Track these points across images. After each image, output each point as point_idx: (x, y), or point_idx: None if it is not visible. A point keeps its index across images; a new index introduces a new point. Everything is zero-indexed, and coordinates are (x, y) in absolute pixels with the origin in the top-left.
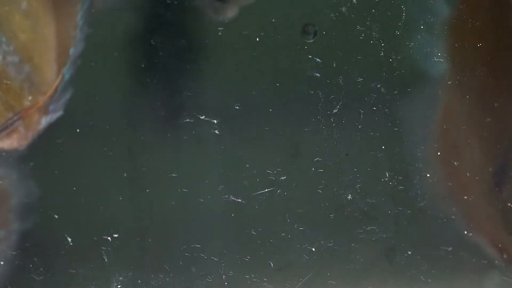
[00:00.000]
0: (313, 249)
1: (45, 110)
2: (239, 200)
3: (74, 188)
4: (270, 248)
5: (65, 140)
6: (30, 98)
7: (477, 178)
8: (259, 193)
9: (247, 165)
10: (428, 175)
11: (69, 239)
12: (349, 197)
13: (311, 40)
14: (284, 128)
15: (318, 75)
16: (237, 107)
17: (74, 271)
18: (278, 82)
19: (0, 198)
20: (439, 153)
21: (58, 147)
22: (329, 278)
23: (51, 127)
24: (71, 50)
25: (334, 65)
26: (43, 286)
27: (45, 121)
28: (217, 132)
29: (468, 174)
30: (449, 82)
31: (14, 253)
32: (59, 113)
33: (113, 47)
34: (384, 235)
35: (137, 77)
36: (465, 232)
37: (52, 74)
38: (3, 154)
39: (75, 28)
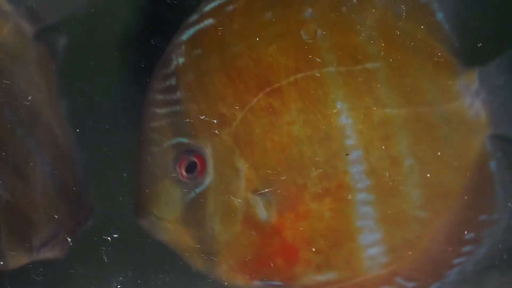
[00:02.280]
0: (313, 249)
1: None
2: (239, 200)
3: (74, 188)
4: None
5: None
6: (63, 206)
7: None
8: (259, 193)
9: (247, 165)
10: (428, 175)
11: (69, 239)
12: (349, 197)
13: (311, 40)
14: None
15: (318, 75)
16: (237, 107)
17: (74, 271)
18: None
19: None
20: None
21: None
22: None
23: None
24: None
25: (334, 65)
26: (43, 286)
27: (78, 229)
28: (217, 132)
29: None
30: None
31: (14, 253)
32: (90, 221)
33: (113, 47)
34: None
35: (137, 77)
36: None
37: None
38: None
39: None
